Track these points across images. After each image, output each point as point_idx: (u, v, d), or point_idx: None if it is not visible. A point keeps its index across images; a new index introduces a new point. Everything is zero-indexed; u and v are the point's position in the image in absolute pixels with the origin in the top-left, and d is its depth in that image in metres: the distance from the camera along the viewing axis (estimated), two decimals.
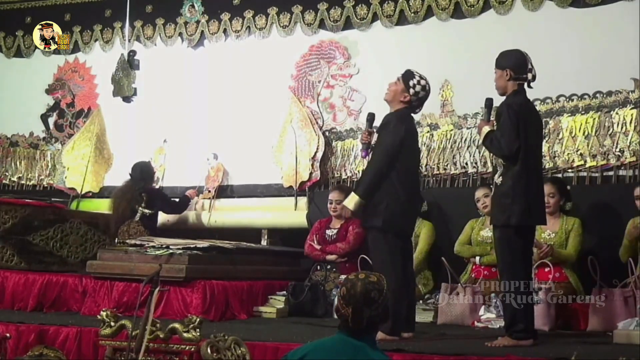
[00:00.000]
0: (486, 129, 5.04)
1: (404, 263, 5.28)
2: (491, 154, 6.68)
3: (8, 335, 4.82)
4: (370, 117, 5.57)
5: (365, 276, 3.29)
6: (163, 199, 7.74)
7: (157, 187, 8.03)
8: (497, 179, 5.06)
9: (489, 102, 5.17)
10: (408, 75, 5.35)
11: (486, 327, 5.77)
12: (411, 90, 5.28)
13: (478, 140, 6.99)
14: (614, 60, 6.66)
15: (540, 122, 5.28)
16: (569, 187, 6.39)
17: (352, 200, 5.21)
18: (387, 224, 5.16)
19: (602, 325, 5.45)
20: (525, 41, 7.05)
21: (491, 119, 5.12)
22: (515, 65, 5.05)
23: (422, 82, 5.34)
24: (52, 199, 7.99)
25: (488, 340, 4.88)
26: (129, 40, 8.73)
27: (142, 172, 7.64)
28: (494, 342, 4.81)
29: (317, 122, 7.79)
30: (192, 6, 8.49)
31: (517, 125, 4.89)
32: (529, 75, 5.04)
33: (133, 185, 7.56)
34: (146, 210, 7.40)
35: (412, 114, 5.43)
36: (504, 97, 5.08)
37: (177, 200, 7.95)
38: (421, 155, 7.17)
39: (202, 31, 8.47)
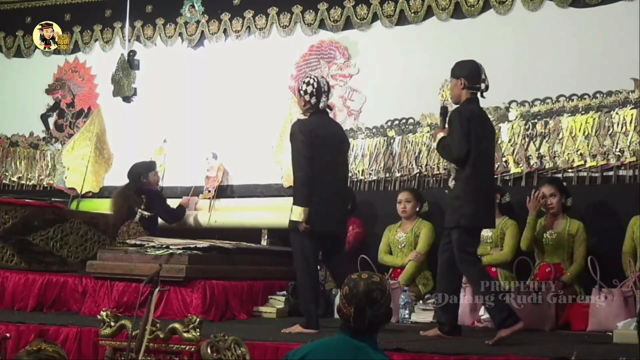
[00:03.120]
0: (440, 135, 5.26)
1: (325, 261, 5.69)
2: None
3: (8, 335, 4.80)
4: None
5: (368, 276, 3.30)
6: (162, 205, 7.66)
7: (157, 188, 8.01)
8: (450, 183, 5.26)
9: (443, 109, 5.37)
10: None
11: (486, 327, 5.77)
12: (301, 92, 5.54)
13: None
14: (614, 60, 6.66)
15: (492, 130, 5.48)
16: (565, 184, 6.40)
17: (296, 213, 5.41)
18: (294, 224, 5.45)
19: (602, 325, 5.45)
20: (525, 41, 7.09)
21: (446, 126, 5.29)
22: (469, 75, 5.25)
23: (306, 79, 5.59)
24: (52, 199, 7.97)
25: (487, 339, 4.88)
26: (129, 40, 8.73)
27: (132, 173, 7.60)
28: (493, 340, 4.87)
29: None
30: (192, 6, 8.49)
31: (467, 131, 5.08)
32: (482, 85, 5.23)
33: (128, 185, 7.55)
34: (145, 212, 7.38)
35: (326, 110, 5.62)
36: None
37: (174, 208, 7.84)
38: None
39: (202, 31, 8.46)
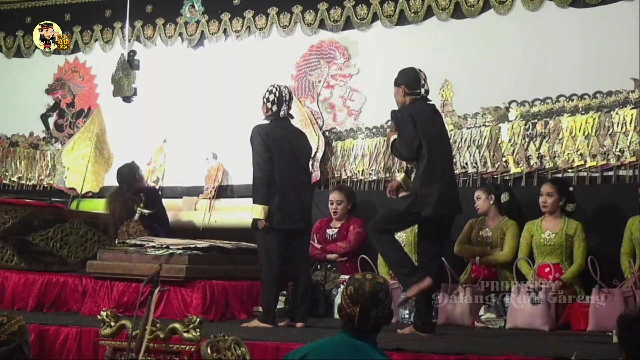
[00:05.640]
0: (393, 137, 5.43)
1: (289, 256, 5.85)
2: (493, 155, 6.79)
3: None
4: None
5: (372, 277, 3.32)
6: (158, 205, 7.65)
7: (156, 187, 7.99)
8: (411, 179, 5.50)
9: (394, 114, 5.50)
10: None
11: (486, 327, 5.78)
12: (264, 100, 5.91)
13: (478, 140, 7.02)
14: (614, 60, 6.66)
15: (438, 120, 5.57)
16: (571, 189, 6.37)
17: (257, 211, 5.71)
18: (255, 222, 5.76)
19: (602, 325, 5.45)
20: (525, 41, 7.09)
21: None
22: (408, 82, 5.49)
23: (269, 88, 5.94)
24: (52, 199, 7.98)
25: (487, 339, 4.88)
26: (129, 40, 8.72)
27: (122, 175, 7.60)
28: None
29: (317, 122, 7.79)
30: (192, 6, 8.48)
31: (413, 125, 5.29)
32: (422, 91, 5.45)
33: (123, 188, 7.54)
34: (145, 210, 7.37)
35: (287, 118, 5.94)
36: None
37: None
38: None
39: (202, 31, 8.46)
